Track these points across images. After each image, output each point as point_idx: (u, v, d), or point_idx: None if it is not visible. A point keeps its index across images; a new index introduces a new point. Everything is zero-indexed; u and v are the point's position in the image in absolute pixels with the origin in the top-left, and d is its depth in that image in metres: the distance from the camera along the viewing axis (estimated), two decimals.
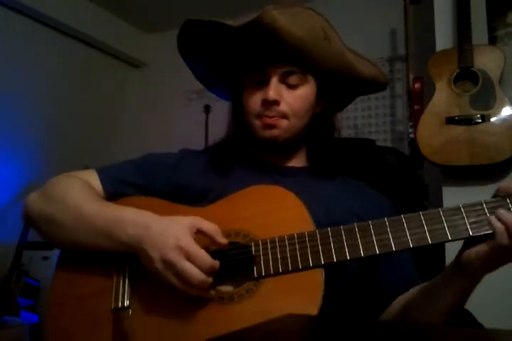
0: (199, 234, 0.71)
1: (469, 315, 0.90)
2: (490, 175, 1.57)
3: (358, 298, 0.84)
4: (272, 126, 0.86)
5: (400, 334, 0.49)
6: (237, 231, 0.75)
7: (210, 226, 0.72)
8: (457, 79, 1.59)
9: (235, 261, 0.73)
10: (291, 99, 0.87)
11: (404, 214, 0.69)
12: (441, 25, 1.73)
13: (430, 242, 0.66)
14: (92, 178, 0.87)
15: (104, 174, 0.88)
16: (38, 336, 1.95)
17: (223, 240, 0.72)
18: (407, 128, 2.11)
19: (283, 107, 0.86)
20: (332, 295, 0.69)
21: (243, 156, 0.94)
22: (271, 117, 0.86)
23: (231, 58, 0.93)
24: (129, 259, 0.77)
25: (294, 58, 0.85)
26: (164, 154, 0.96)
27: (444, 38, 1.71)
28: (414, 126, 1.69)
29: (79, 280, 0.80)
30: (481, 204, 0.66)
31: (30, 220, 0.84)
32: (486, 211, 0.65)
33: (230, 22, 0.84)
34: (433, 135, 1.58)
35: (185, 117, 3.09)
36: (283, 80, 0.86)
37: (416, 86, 1.85)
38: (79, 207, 0.78)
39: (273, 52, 0.85)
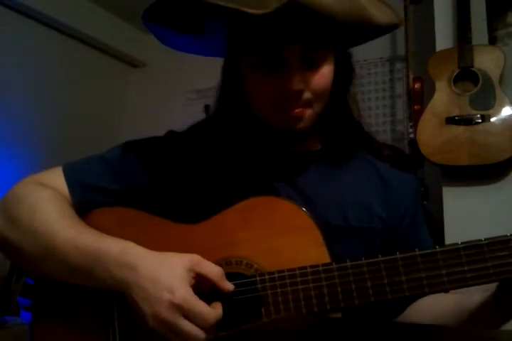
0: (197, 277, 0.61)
1: None
2: (490, 175, 1.57)
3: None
4: (297, 119, 0.71)
5: (400, 334, 0.48)
6: (239, 260, 0.65)
7: (213, 270, 0.61)
8: (457, 79, 1.59)
9: (239, 301, 0.64)
10: (315, 82, 0.69)
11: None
12: (441, 25, 1.73)
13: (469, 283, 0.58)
14: (59, 182, 0.75)
15: (72, 179, 0.76)
16: None
17: (229, 286, 0.62)
18: (407, 128, 2.11)
19: (307, 95, 0.69)
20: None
21: (244, 143, 0.79)
22: (294, 109, 0.70)
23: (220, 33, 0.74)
24: (115, 296, 0.66)
25: (317, 30, 0.67)
26: (146, 144, 0.83)
27: (444, 37, 1.71)
28: (414, 126, 1.70)
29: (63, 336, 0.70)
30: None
31: None
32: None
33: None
34: (433, 135, 1.58)
35: (186, 117, 3.08)
36: (303, 59, 0.68)
37: (416, 86, 1.85)
38: (49, 236, 0.66)
39: (293, 28, 0.65)
